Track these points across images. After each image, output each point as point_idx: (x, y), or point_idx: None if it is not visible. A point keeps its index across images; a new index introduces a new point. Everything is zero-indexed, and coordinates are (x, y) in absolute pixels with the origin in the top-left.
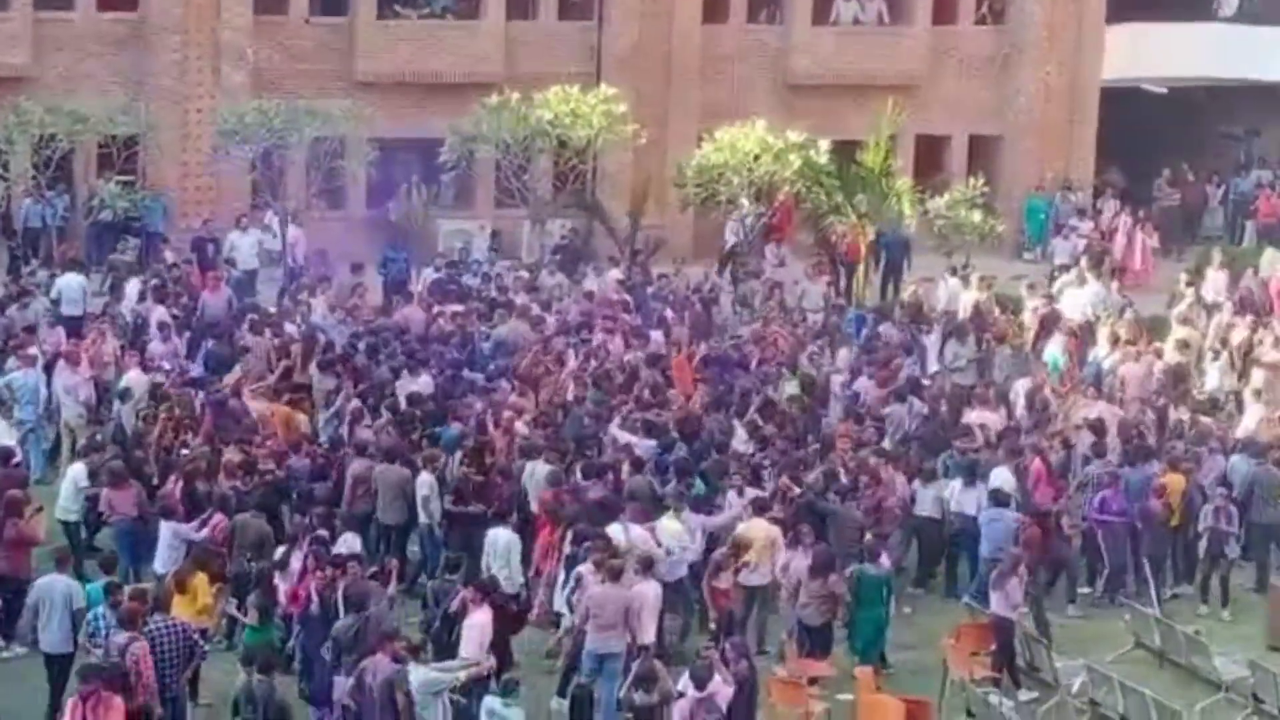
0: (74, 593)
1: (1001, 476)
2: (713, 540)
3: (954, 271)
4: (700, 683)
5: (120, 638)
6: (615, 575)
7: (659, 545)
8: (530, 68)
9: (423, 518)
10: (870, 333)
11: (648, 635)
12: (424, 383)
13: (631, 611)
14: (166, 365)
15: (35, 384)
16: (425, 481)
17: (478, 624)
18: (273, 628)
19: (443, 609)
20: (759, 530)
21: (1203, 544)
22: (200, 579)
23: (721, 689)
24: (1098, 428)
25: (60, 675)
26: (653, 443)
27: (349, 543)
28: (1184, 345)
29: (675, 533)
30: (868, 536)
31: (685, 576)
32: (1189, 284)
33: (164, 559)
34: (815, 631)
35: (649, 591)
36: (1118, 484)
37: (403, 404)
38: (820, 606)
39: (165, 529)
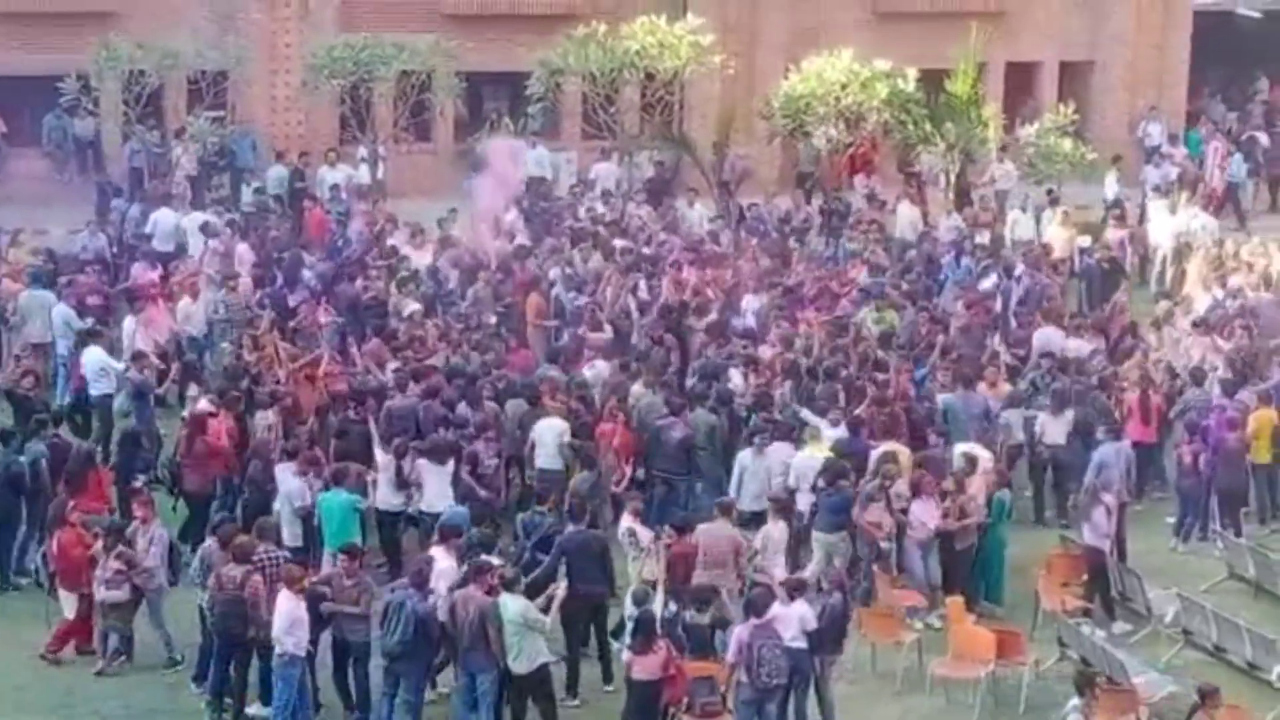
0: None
1: None
2: None
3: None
4: (758, 610)
5: (235, 571)
6: (725, 511)
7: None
8: None
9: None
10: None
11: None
12: None
13: (741, 550)
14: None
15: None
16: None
17: None
18: None
19: (532, 540)
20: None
21: None
22: None
23: (781, 614)
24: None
25: None
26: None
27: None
28: None
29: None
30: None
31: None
32: None
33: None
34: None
35: (772, 532)
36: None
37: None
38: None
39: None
